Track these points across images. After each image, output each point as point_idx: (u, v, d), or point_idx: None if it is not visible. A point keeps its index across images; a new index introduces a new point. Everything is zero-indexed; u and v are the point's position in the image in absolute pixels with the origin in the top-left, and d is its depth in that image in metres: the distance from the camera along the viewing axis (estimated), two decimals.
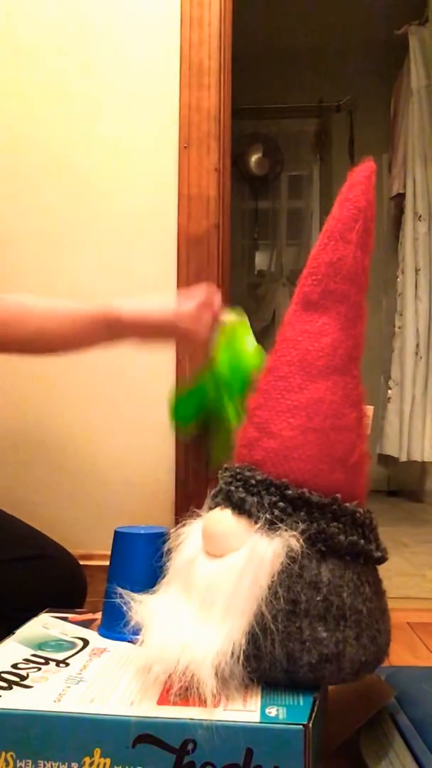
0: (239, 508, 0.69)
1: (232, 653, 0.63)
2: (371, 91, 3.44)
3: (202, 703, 0.60)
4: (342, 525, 0.68)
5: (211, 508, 0.72)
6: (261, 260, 3.80)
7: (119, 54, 1.47)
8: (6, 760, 0.60)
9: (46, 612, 0.89)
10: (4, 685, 0.66)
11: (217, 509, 0.71)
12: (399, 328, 2.92)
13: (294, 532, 0.66)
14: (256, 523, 0.67)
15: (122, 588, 0.71)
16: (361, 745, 0.73)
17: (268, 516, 0.67)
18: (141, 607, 0.69)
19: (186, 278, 1.44)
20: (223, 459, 0.76)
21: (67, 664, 0.71)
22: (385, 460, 3.02)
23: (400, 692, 0.79)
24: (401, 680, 0.83)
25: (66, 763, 0.59)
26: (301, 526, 0.67)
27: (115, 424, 1.46)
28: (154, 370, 1.45)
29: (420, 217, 2.84)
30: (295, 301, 0.75)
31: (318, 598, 0.65)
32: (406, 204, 2.90)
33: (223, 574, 0.66)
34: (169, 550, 0.73)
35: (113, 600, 0.73)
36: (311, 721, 0.59)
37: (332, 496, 0.69)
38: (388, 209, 3.13)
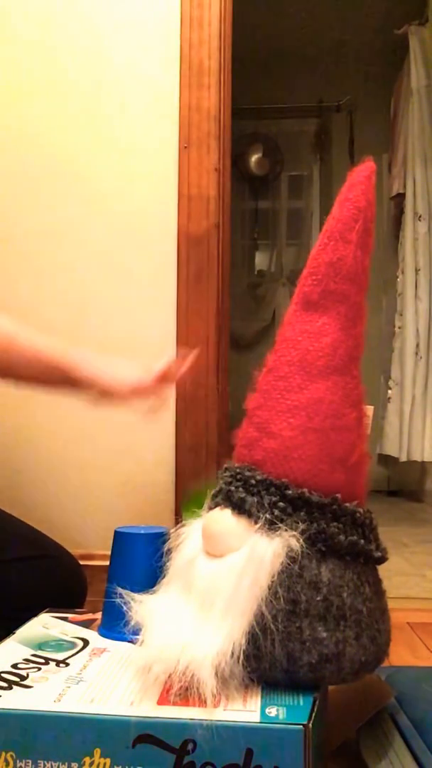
0: (239, 508, 0.69)
1: (232, 653, 0.63)
2: (371, 91, 3.44)
3: (202, 703, 0.60)
4: (342, 525, 0.68)
5: (211, 508, 0.72)
6: (261, 260, 3.80)
7: (119, 54, 1.47)
8: (6, 760, 0.60)
9: (46, 612, 0.89)
10: (4, 685, 0.66)
11: (217, 509, 0.71)
12: (399, 328, 2.92)
13: (294, 532, 0.66)
14: (256, 523, 0.67)
15: (122, 588, 0.71)
16: (361, 745, 0.73)
17: (268, 516, 0.67)
18: (141, 607, 0.69)
19: (186, 278, 1.44)
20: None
21: (67, 664, 0.71)
22: (385, 460, 3.02)
23: (400, 692, 0.78)
24: (401, 680, 0.83)
25: (66, 763, 0.59)
26: (301, 526, 0.67)
27: (115, 424, 1.46)
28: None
29: (420, 217, 2.84)
30: (295, 301, 0.75)
31: (318, 598, 0.65)
32: (406, 204, 2.90)
33: (223, 574, 0.66)
34: (169, 550, 0.73)
35: (113, 600, 0.73)
36: (311, 721, 0.59)
37: (332, 496, 0.68)
38: (388, 209, 3.13)
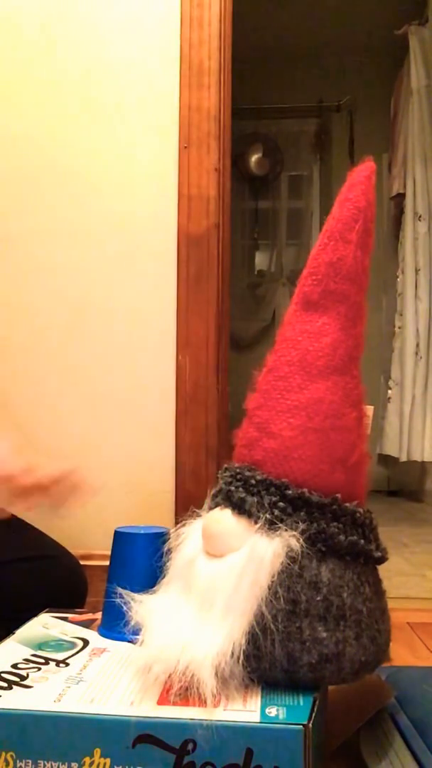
0: (239, 508, 0.69)
1: (232, 653, 0.63)
2: (371, 91, 3.44)
3: (202, 703, 0.60)
4: (342, 525, 0.68)
5: (211, 508, 0.72)
6: (261, 260, 3.80)
7: (119, 54, 1.47)
8: (6, 760, 0.60)
9: (46, 612, 0.89)
10: (4, 685, 0.66)
11: (217, 509, 0.71)
12: (399, 328, 2.93)
13: (294, 532, 0.66)
14: (256, 523, 0.67)
15: (122, 588, 0.71)
16: (361, 745, 0.72)
17: (268, 516, 0.67)
18: (141, 607, 0.69)
19: (186, 278, 1.44)
20: None
21: (67, 664, 0.71)
22: (385, 460, 3.02)
23: (400, 692, 0.78)
24: (401, 680, 0.83)
25: (66, 763, 0.59)
26: (301, 526, 0.67)
27: (115, 424, 1.46)
28: (154, 370, 1.45)
29: (420, 217, 2.84)
30: (295, 301, 0.75)
31: (318, 598, 0.65)
32: (406, 204, 2.90)
33: (223, 574, 0.66)
34: (169, 550, 0.73)
35: (113, 600, 0.73)
36: (311, 721, 0.59)
37: (332, 496, 0.68)
38: (388, 209, 3.13)
